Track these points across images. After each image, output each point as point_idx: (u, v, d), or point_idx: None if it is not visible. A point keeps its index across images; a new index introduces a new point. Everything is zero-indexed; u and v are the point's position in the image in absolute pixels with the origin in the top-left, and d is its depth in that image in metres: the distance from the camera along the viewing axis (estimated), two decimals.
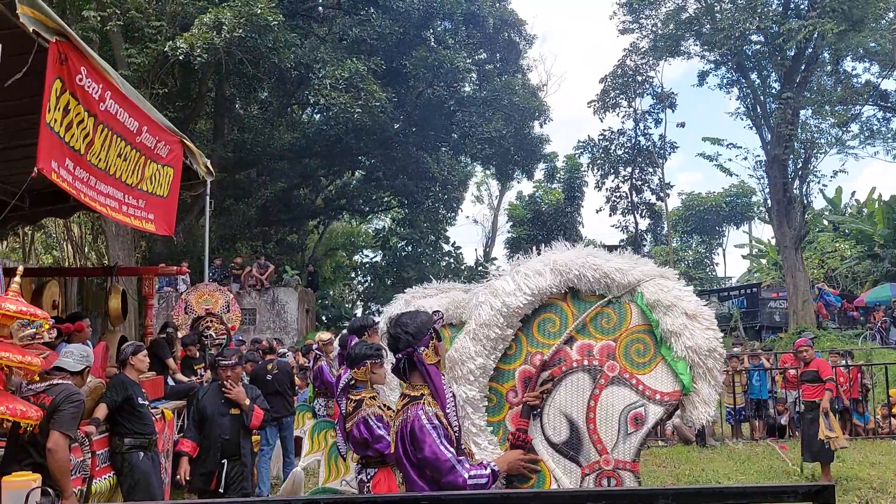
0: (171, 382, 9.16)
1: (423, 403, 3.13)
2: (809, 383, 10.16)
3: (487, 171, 41.20)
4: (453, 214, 35.98)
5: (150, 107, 6.43)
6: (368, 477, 4.38)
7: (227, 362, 6.71)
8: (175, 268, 13.19)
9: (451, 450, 3.07)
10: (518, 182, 41.17)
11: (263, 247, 29.68)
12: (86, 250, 27.07)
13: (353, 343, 6.08)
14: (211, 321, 10.63)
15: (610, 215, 36.12)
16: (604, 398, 3.46)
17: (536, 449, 3.46)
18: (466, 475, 3.05)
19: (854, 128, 30.05)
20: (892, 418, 13.73)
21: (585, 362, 3.52)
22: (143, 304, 12.16)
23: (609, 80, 32.34)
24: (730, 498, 1.85)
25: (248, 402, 6.66)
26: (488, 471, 3.14)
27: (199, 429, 6.63)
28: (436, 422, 3.09)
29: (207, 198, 11.46)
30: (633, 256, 3.78)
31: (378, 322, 5.57)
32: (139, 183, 6.17)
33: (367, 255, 44.71)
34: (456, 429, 3.26)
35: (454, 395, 3.46)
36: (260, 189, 29.01)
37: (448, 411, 3.23)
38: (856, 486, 9.24)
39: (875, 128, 31.87)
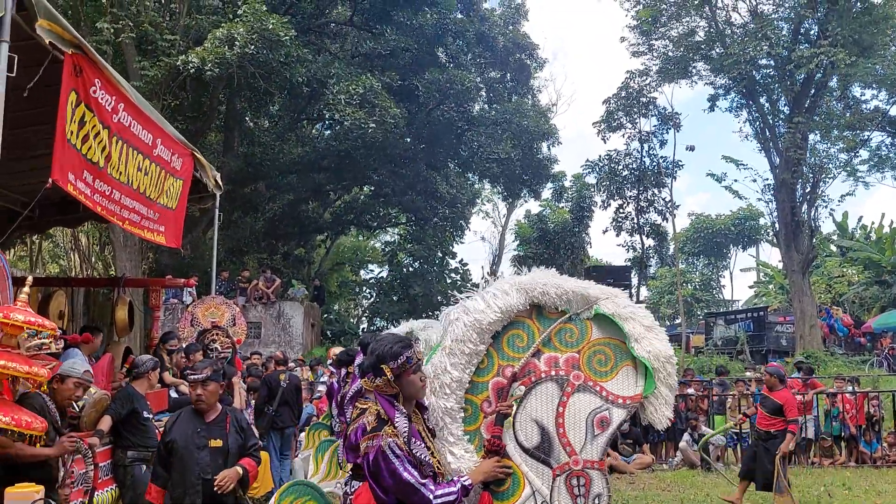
0: (173, 395, 9.15)
1: (384, 435, 3.30)
2: (769, 413, 9.48)
3: (495, 190, 41.27)
4: (461, 232, 35.98)
5: (162, 119, 6.48)
6: (352, 490, 4.35)
7: (197, 376, 5.32)
8: (182, 280, 13.24)
9: (416, 474, 3.25)
10: (525, 201, 41.25)
11: (270, 260, 29.69)
12: (93, 260, 27.15)
13: (360, 358, 6.07)
14: (217, 334, 10.61)
15: (617, 235, 36.06)
16: (571, 404, 3.79)
17: (510, 454, 3.75)
18: (432, 496, 3.24)
19: (863, 153, 30.05)
20: None
21: (553, 373, 3.85)
22: (150, 316, 12.18)
23: (612, 101, 32.39)
24: None
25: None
26: (457, 487, 3.35)
27: (169, 468, 5.21)
28: (397, 451, 3.26)
29: (216, 210, 11.52)
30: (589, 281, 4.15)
31: None
32: (159, 197, 6.20)
33: (373, 271, 44.77)
34: (427, 458, 3.40)
35: (422, 412, 3.64)
36: (268, 202, 29.06)
37: (415, 440, 3.39)
38: None
39: (883, 154, 31.87)
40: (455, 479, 3.44)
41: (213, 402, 5.31)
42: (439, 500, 3.26)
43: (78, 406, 6.44)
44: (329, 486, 5.18)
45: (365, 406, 3.65)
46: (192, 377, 5.37)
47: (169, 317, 21.33)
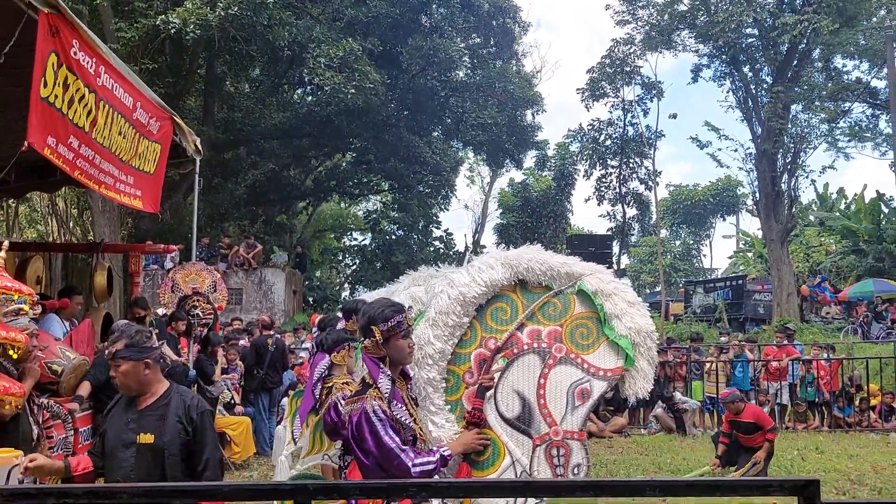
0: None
1: (369, 397, 3.33)
2: (745, 434, 9.55)
3: (479, 158, 41.15)
4: (445, 200, 35.91)
5: (140, 82, 6.37)
6: (346, 464, 4.38)
7: (108, 350, 3.94)
8: (162, 246, 13.15)
9: (396, 439, 3.30)
10: (508, 171, 41.19)
11: (251, 227, 29.55)
12: (70, 225, 26.88)
13: (342, 324, 6.07)
14: (198, 300, 10.55)
15: (599, 204, 36.16)
16: (552, 376, 3.84)
17: (490, 424, 3.80)
18: (411, 463, 3.29)
19: (843, 124, 30.20)
20: (871, 412, 13.87)
21: (535, 345, 3.91)
22: (129, 282, 12.11)
23: (596, 70, 32.29)
24: (718, 491, 1.86)
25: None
26: (436, 457, 3.41)
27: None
28: (381, 415, 3.29)
29: (196, 176, 11.41)
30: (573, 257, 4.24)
31: None
32: (132, 159, 6.11)
33: (355, 238, 44.66)
34: (408, 420, 3.45)
35: (406, 380, 3.67)
36: (249, 169, 28.83)
37: (396, 402, 3.43)
38: (834, 478, 9.33)
39: (864, 125, 32.03)
40: (435, 448, 3.50)
41: (131, 386, 3.82)
42: (418, 469, 3.31)
43: (56, 371, 6.40)
44: (316, 459, 5.17)
45: (330, 383, 3.69)
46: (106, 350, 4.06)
47: (149, 283, 21.23)
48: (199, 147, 10.24)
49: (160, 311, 10.48)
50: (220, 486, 1.84)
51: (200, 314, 10.18)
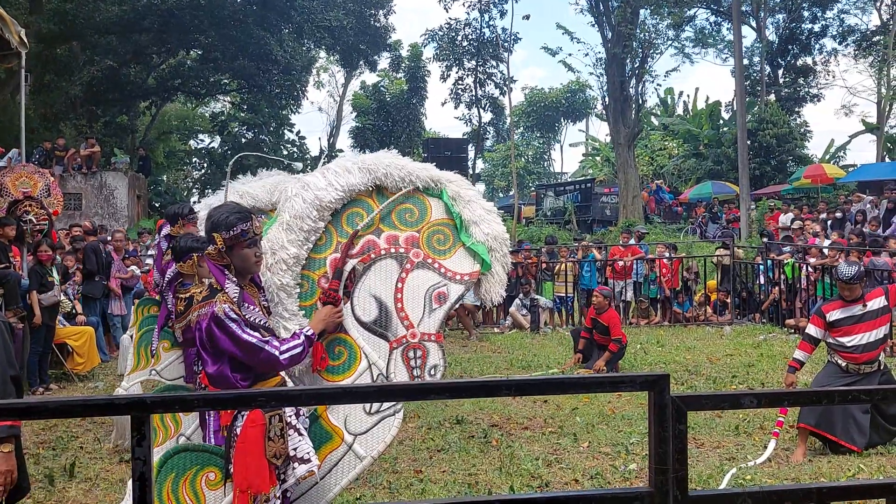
0: None
1: (217, 301, 3.22)
2: (600, 334, 10.15)
3: (331, 58, 40.05)
4: (296, 101, 34.88)
5: None
6: (200, 370, 4.26)
7: None
8: None
9: (255, 335, 3.21)
10: (363, 72, 40.40)
11: (90, 128, 27.78)
12: None
13: (163, 231, 5.79)
14: (30, 205, 9.85)
15: (455, 108, 36.19)
16: (410, 280, 3.87)
17: (347, 328, 3.80)
18: (277, 352, 3.22)
19: (689, 30, 31.27)
20: (707, 307, 14.82)
21: (392, 250, 3.92)
22: None
23: None
24: (571, 388, 1.88)
25: None
26: (301, 339, 3.36)
27: None
28: (233, 315, 3.19)
29: (23, 71, 10.58)
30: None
31: (198, 211, 5.29)
32: None
33: (203, 141, 42.96)
34: (263, 321, 3.37)
35: (259, 290, 3.59)
36: (85, 66, 26.91)
37: (248, 304, 3.34)
38: (673, 369, 9.94)
39: (707, 31, 33.28)
40: (297, 331, 3.44)
41: None
42: (286, 356, 3.25)
43: None
44: (143, 375, 4.97)
45: (188, 294, 3.51)
46: None
47: None
48: (25, 39, 9.47)
49: None
50: (46, 403, 1.70)
51: (34, 220, 9.53)
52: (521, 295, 14.25)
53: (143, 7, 25.91)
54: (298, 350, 3.31)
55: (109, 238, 12.83)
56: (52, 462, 6.19)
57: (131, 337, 6.37)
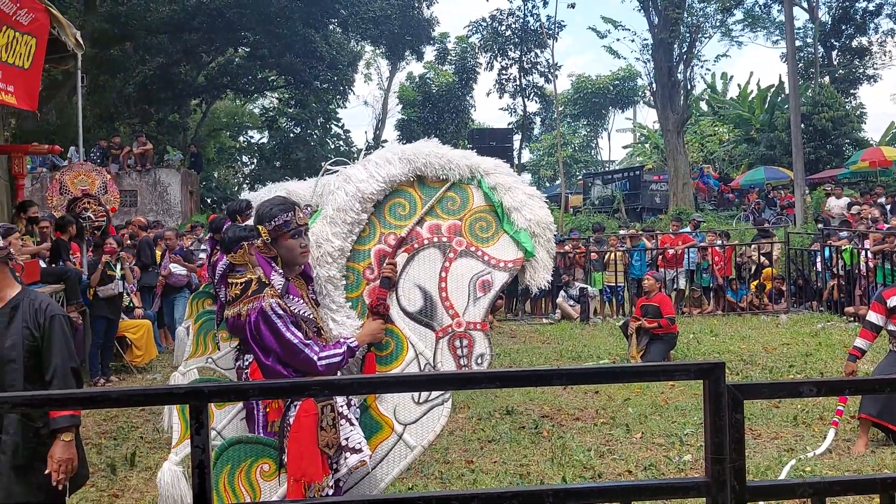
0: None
1: (265, 295, 3.25)
2: (650, 318, 9.89)
3: (378, 51, 40.17)
4: (343, 95, 35.08)
5: None
6: (246, 363, 4.31)
7: None
8: (47, 146, 12.49)
9: (299, 334, 3.24)
10: (408, 63, 40.47)
11: (143, 126, 28.31)
12: None
13: (227, 227, 5.86)
14: (88, 202, 10.11)
15: (500, 98, 36.05)
16: (453, 269, 3.85)
17: (393, 318, 3.80)
18: (316, 357, 3.23)
19: (738, 13, 30.67)
20: (763, 295, 14.54)
21: (435, 239, 3.90)
22: (14, 185, 11.54)
23: None
24: (624, 378, 1.86)
25: None
26: (343, 349, 3.35)
27: None
28: (280, 311, 3.23)
29: (79, 72, 10.84)
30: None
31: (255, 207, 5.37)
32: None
33: (252, 137, 43.45)
34: (308, 313, 3.41)
35: (308, 283, 3.64)
36: (137, 65, 27.41)
37: (292, 296, 3.38)
38: (728, 359, 9.77)
39: (756, 14, 32.60)
40: (341, 340, 3.44)
41: None
42: (324, 362, 3.25)
43: None
44: (200, 362, 5.04)
45: (245, 279, 3.55)
46: None
47: (37, 185, 20.40)
48: (81, 41, 9.66)
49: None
50: (109, 392, 1.74)
51: (92, 217, 9.77)
52: (564, 286, 14.16)
53: (193, 7, 26.29)
54: (337, 360, 3.31)
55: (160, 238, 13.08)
56: (113, 452, 6.36)
57: (187, 330, 6.47)
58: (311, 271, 3.70)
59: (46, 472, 3.44)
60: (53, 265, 8.95)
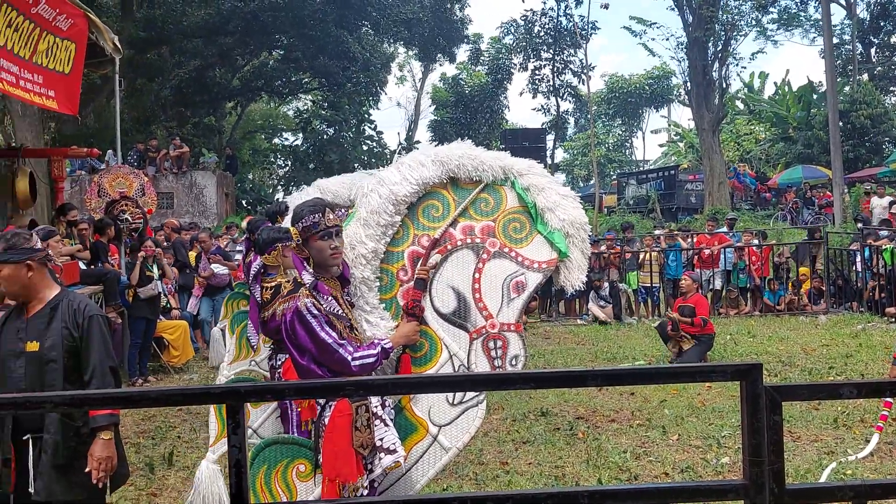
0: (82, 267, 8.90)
1: (301, 295, 3.30)
2: (686, 317, 9.85)
3: (410, 53, 40.28)
4: (376, 97, 35.22)
5: None
6: (279, 363, 4.34)
7: None
8: (86, 150, 12.69)
9: (333, 334, 3.27)
10: (441, 64, 40.50)
11: (179, 129, 28.68)
12: None
13: (261, 228, 5.93)
14: (126, 205, 10.27)
15: (533, 97, 35.94)
16: (487, 270, 3.85)
17: (427, 320, 3.80)
18: (350, 357, 3.25)
19: (773, 11, 30.27)
20: (801, 295, 14.31)
21: (468, 240, 3.90)
22: (54, 188, 11.74)
23: None
24: (660, 379, 1.84)
25: None
26: (377, 350, 3.35)
27: None
28: (315, 311, 3.27)
29: (117, 76, 11.00)
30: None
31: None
32: (33, 56, 5.74)
33: (287, 139, 43.76)
34: (339, 311, 3.44)
35: (344, 285, 3.68)
36: (173, 69, 27.80)
37: (323, 294, 3.41)
38: (766, 360, 9.64)
39: (792, 12, 32.15)
40: (376, 341, 3.45)
41: (16, 291, 3.62)
42: (358, 362, 3.27)
43: None
44: (243, 365, 5.10)
45: (275, 283, 3.60)
46: None
47: (76, 188, 20.73)
48: (118, 45, 9.79)
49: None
50: (148, 392, 1.76)
51: (129, 219, 9.92)
52: (594, 290, 14.04)
53: (228, 11, 26.58)
54: (371, 360, 3.32)
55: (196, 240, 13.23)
56: (151, 451, 6.44)
57: (221, 331, 6.53)
58: (348, 273, 3.72)
59: (87, 470, 3.50)
60: (92, 267, 9.10)
